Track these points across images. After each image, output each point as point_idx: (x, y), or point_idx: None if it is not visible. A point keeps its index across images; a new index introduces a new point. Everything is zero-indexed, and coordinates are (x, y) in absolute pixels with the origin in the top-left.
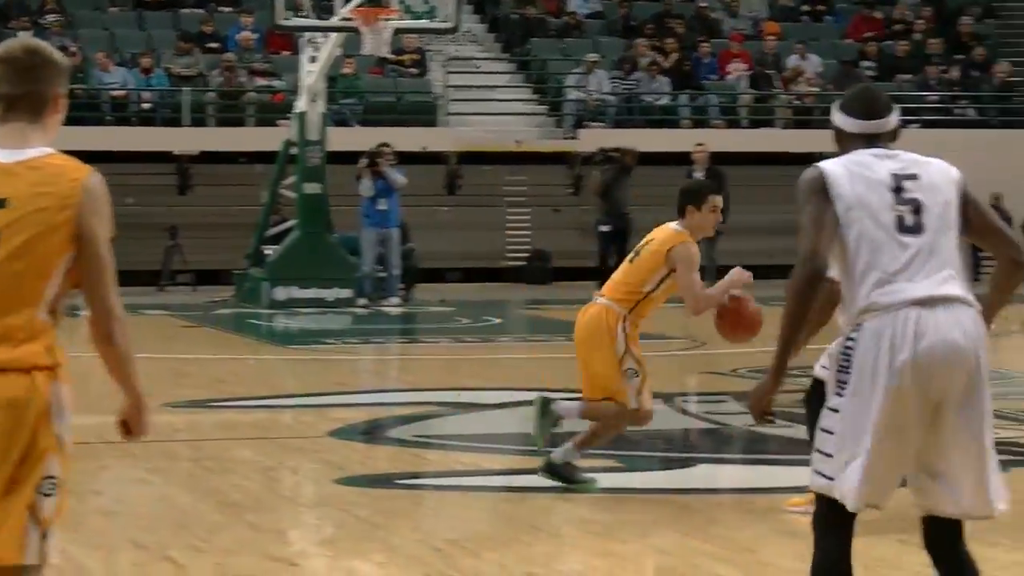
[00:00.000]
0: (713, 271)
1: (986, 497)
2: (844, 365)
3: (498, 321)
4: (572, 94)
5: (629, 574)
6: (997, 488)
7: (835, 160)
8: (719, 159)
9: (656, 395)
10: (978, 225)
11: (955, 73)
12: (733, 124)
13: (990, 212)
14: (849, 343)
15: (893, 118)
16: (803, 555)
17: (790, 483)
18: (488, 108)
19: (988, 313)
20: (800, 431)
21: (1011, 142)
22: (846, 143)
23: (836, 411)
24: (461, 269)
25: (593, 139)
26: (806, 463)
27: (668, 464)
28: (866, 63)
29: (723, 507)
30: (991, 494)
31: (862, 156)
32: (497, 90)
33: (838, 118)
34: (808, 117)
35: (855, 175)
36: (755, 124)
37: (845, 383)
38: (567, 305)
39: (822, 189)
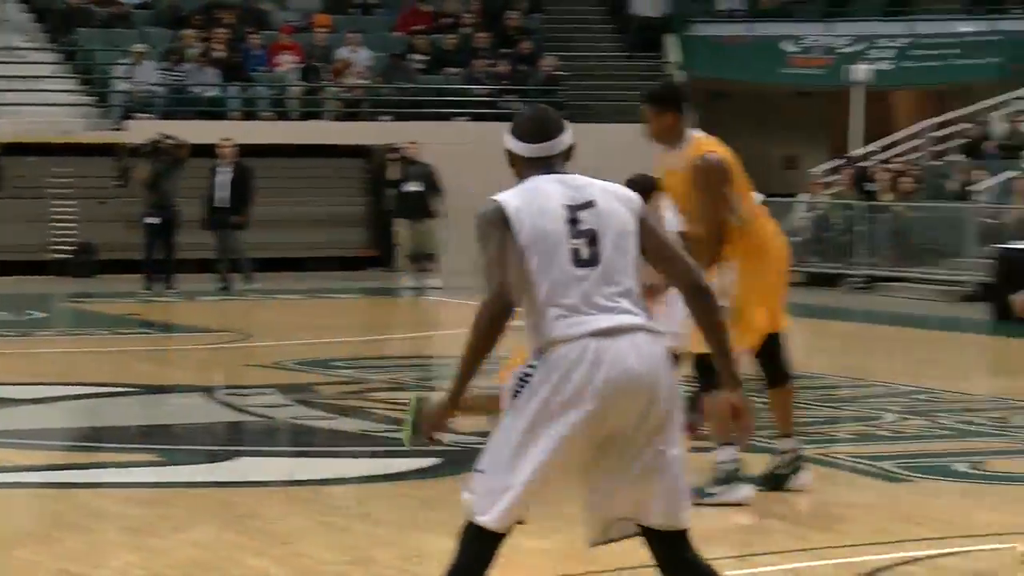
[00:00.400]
0: (246, 264)
1: (676, 509)
2: (520, 390)
3: (41, 315)
4: (119, 85)
5: (161, 568)
6: (683, 501)
7: (512, 191)
8: (268, 151)
9: (198, 388)
10: (654, 250)
11: (503, 67)
12: (283, 116)
13: (667, 237)
14: (530, 369)
15: (565, 138)
16: (340, 546)
17: (332, 474)
18: (33, 99)
19: (724, 369)
20: (345, 423)
21: None
22: (520, 167)
23: (503, 432)
24: (4, 263)
25: (141, 130)
26: (350, 454)
27: (210, 457)
28: (416, 56)
29: (263, 500)
30: (680, 506)
31: (538, 184)
32: (42, 80)
33: (509, 142)
34: (357, 109)
35: (532, 207)
36: (305, 116)
37: (518, 407)
38: (112, 299)
39: (502, 222)
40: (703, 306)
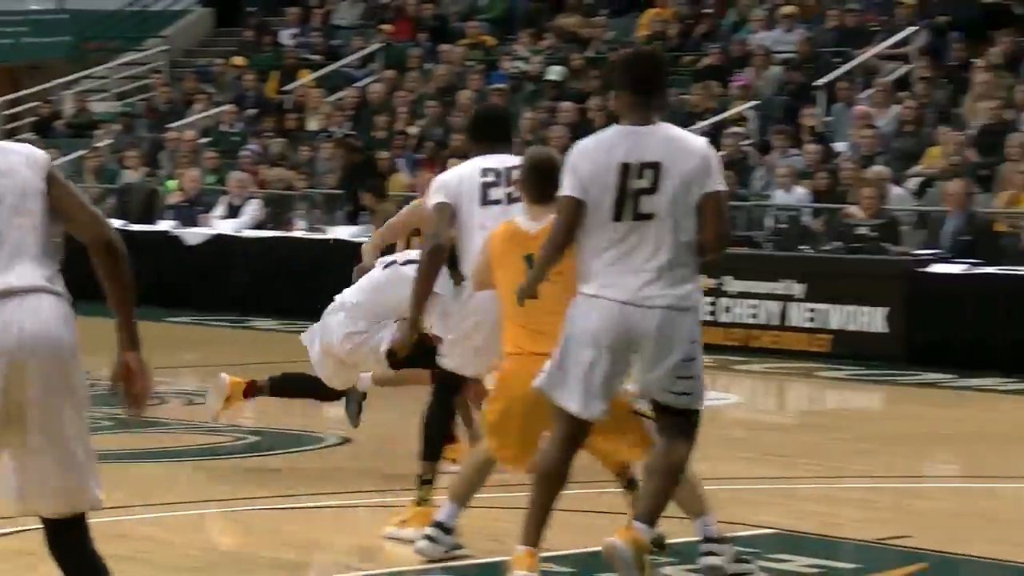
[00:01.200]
0: None
1: (77, 491)
2: None
3: None
4: None
5: None
6: (90, 478)
7: None
8: None
9: None
10: (63, 208)
11: None
12: None
13: (77, 193)
14: None
15: None
16: None
17: None
18: None
19: (127, 328)
20: None
21: None
22: None
23: None
24: None
25: None
26: None
27: None
28: None
29: None
30: (87, 485)
31: None
32: None
33: None
34: None
35: None
36: None
37: None
38: None
39: None
40: (112, 262)
